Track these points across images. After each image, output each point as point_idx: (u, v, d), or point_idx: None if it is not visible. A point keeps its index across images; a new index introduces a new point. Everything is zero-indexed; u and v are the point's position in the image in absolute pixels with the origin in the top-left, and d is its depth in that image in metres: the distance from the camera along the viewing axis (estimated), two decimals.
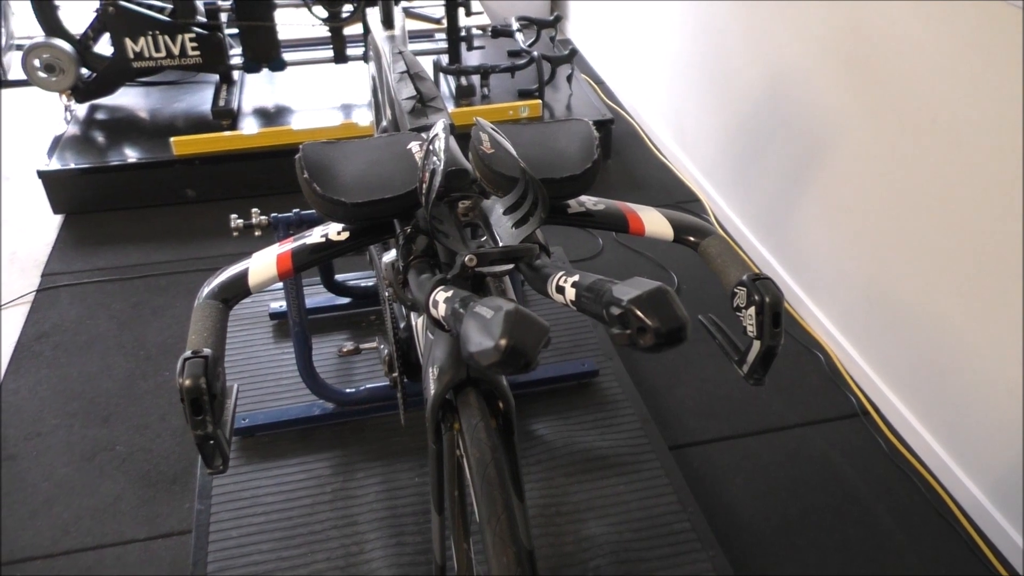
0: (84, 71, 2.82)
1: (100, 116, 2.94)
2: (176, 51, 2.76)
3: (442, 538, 1.03)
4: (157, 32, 2.71)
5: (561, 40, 3.94)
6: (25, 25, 3.01)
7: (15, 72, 2.93)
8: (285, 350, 2.01)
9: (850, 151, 1.90)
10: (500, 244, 0.87)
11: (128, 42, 2.72)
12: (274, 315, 2.12)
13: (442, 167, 0.85)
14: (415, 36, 3.50)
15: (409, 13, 3.29)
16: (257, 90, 3.10)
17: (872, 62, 1.76)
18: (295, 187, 2.38)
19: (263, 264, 0.94)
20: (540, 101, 2.92)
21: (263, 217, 1.66)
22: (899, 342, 1.81)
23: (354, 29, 2.97)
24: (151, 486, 1.73)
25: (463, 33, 3.10)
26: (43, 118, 3.14)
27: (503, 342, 0.65)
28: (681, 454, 1.80)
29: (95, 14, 2.73)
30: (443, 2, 2.98)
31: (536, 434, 1.79)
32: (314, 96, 3.07)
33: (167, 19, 2.73)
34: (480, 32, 3.40)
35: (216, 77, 3.04)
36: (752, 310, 0.83)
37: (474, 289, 0.88)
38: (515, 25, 3.16)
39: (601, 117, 2.91)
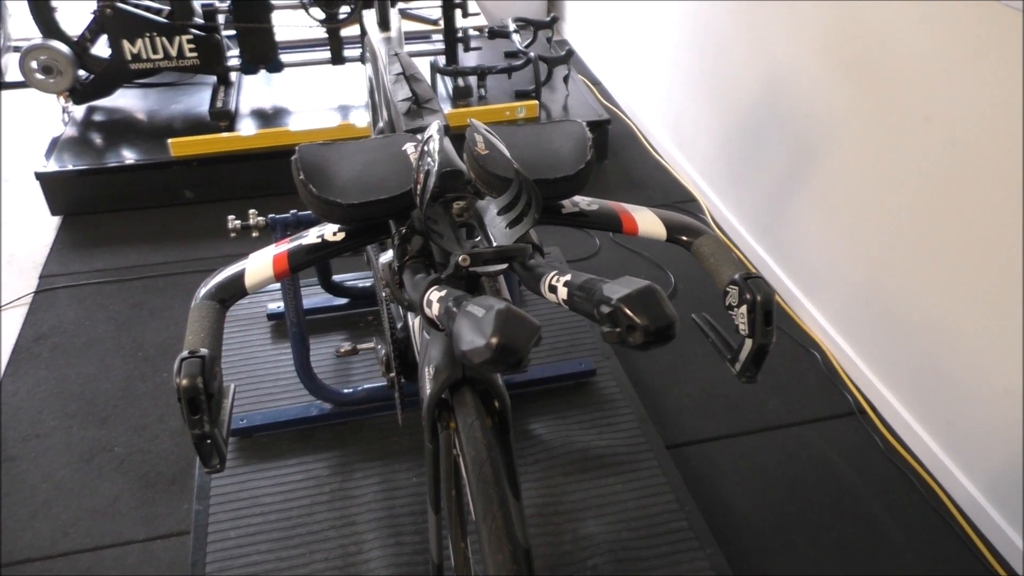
0: (82, 73, 2.82)
1: (98, 118, 2.94)
2: (173, 53, 2.76)
3: (438, 537, 1.04)
4: (154, 34, 2.72)
5: (558, 41, 3.94)
6: (23, 27, 3.01)
7: (13, 74, 2.93)
8: (283, 351, 2.01)
9: (846, 150, 1.90)
10: (494, 244, 0.88)
11: (126, 44, 2.72)
12: (272, 316, 2.12)
13: (436, 168, 0.85)
14: (412, 37, 3.50)
15: (406, 14, 3.29)
16: (255, 91, 3.11)
17: (867, 62, 1.77)
18: (293, 188, 2.39)
19: (259, 265, 0.95)
20: (537, 102, 2.93)
21: (260, 218, 1.67)
22: (896, 341, 1.82)
23: (351, 30, 2.97)
24: (150, 487, 1.73)
25: (460, 34, 3.10)
26: (41, 120, 3.14)
27: (494, 340, 0.66)
28: (679, 453, 1.81)
29: (92, 16, 2.73)
30: (440, 3, 2.99)
31: (534, 434, 1.80)
32: (312, 97, 3.07)
33: (164, 21, 2.73)
34: (477, 33, 3.41)
35: (214, 78, 3.04)
36: (744, 308, 0.84)
37: (469, 289, 0.89)
38: (512, 26, 3.17)
39: (598, 118, 2.92)
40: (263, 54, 2.89)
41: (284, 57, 2.97)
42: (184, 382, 0.76)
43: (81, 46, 2.77)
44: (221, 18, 2.84)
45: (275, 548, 1.55)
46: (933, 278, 1.66)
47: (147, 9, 2.75)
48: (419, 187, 0.87)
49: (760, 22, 2.20)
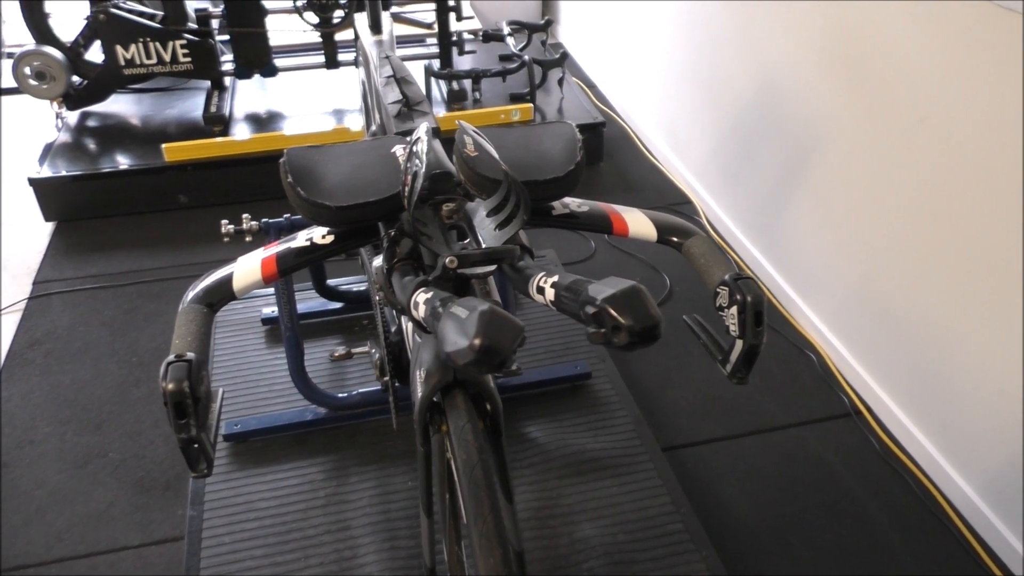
0: (75, 78, 2.82)
1: (91, 123, 2.93)
2: (167, 58, 2.76)
3: (431, 541, 1.03)
4: (148, 39, 2.71)
5: (552, 44, 3.95)
6: (17, 33, 3.00)
7: (6, 80, 2.92)
8: (277, 355, 2.01)
9: (840, 151, 1.90)
10: (483, 246, 0.87)
11: (119, 49, 2.72)
12: (266, 320, 2.11)
13: (424, 170, 0.85)
14: (407, 41, 3.50)
15: (400, 18, 3.30)
16: (249, 96, 3.10)
17: (862, 63, 1.77)
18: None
19: (248, 268, 0.95)
20: (532, 105, 2.93)
21: (254, 223, 1.66)
22: (891, 342, 1.82)
23: (345, 34, 2.97)
24: (144, 492, 1.72)
25: (454, 38, 3.10)
26: (35, 125, 3.13)
27: (477, 341, 0.65)
28: (674, 455, 1.80)
29: (86, 21, 2.73)
30: (434, 7, 2.99)
31: (529, 436, 1.79)
32: (306, 102, 3.07)
33: (158, 26, 2.73)
34: (471, 36, 3.41)
35: (208, 83, 3.04)
36: (734, 309, 0.84)
37: (459, 291, 0.89)
38: (506, 29, 3.17)
39: (592, 120, 2.92)
40: (257, 59, 2.89)
41: (278, 61, 2.97)
42: (170, 386, 0.75)
43: (75, 52, 2.77)
44: (215, 23, 2.84)
45: (270, 553, 1.55)
46: (929, 279, 1.67)
47: (140, 14, 2.75)
48: (407, 189, 0.87)
49: (754, 23, 2.20)
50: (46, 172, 2.61)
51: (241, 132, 2.85)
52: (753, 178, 2.34)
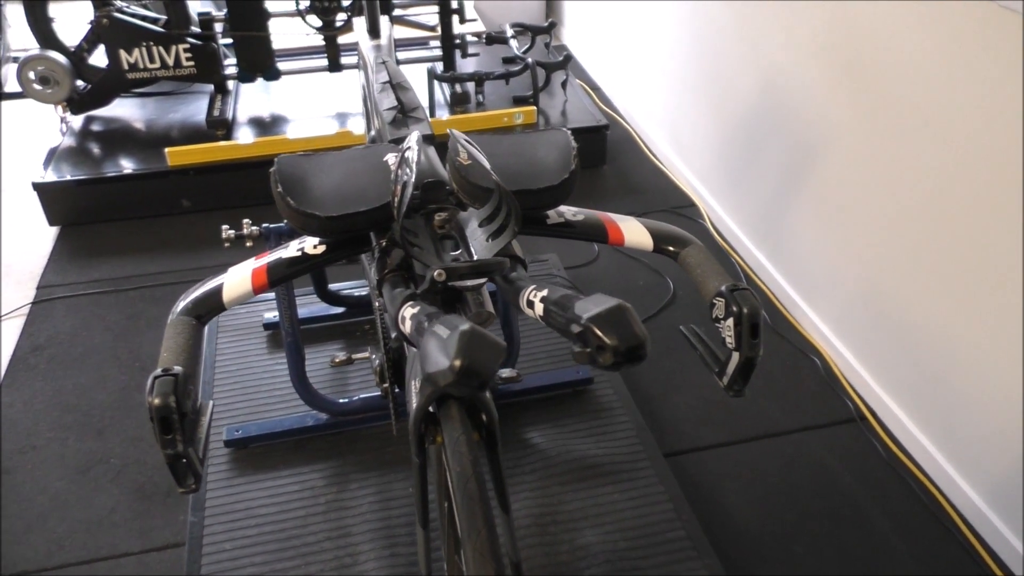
0: (79, 82, 2.82)
1: (95, 127, 2.94)
2: (170, 62, 2.76)
3: (427, 551, 1.02)
4: (151, 43, 2.72)
5: (556, 46, 3.94)
6: (22, 38, 3.01)
7: (12, 84, 2.93)
8: (279, 360, 2.00)
9: (845, 155, 1.89)
10: (474, 257, 0.86)
11: (122, 53, 2.72)
12: (268, 325, 2.11)
13: (413, 179, 0.84)
14: (409, 44, 3.50)
15: (403, 20, 3.29)
16: (252, 100, 3.10)
17: (865, 66, 1.76)
18: None
19: (238, 279, 0.94)
20: (535, 108, 2.92)
21: (254, 228, 1.66)
22: (896, 347, 1.80)
23: (348, 37, 2.97)
24: (145, 499, 1.72)
25: (457, 40, 3.10)
26: (39, 130, 3.14)
27: (457, 362, 0.64)
28: (677, 461, 1.79)
29: (89, 26, 2.73)
30: (437, 9, 2.99)
31: (531, 442, 1.79)
32: (309, 105, 3.07)
33: (161, 30, 2.73)
34: (474, 39, 3.40)
35: (211, 87, 3.04)
36: (730, 321, 0.82)
37: (450, 302, 0.87)
38: (509, 32, 3.16)
39: (596, 123, 2.91)
40: (260, 62, 2.89)
41: (281, 65, 2.97)
42: (156, 401, 0.74)
43: (78, 56, 2.77)
44: (218, 27, 2.84)
45: (270, 560, 1.54)
46: (934, 283, 1.65)
47: (144, 19, 2.75)
48: (396, 199, 0.86)
49: (758, 26, 2.19)
50: (50, 176, 2.61)
51: (244, 136, 2.85)
52: (757, 182, 2.33)
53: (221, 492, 1.68)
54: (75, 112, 2.88)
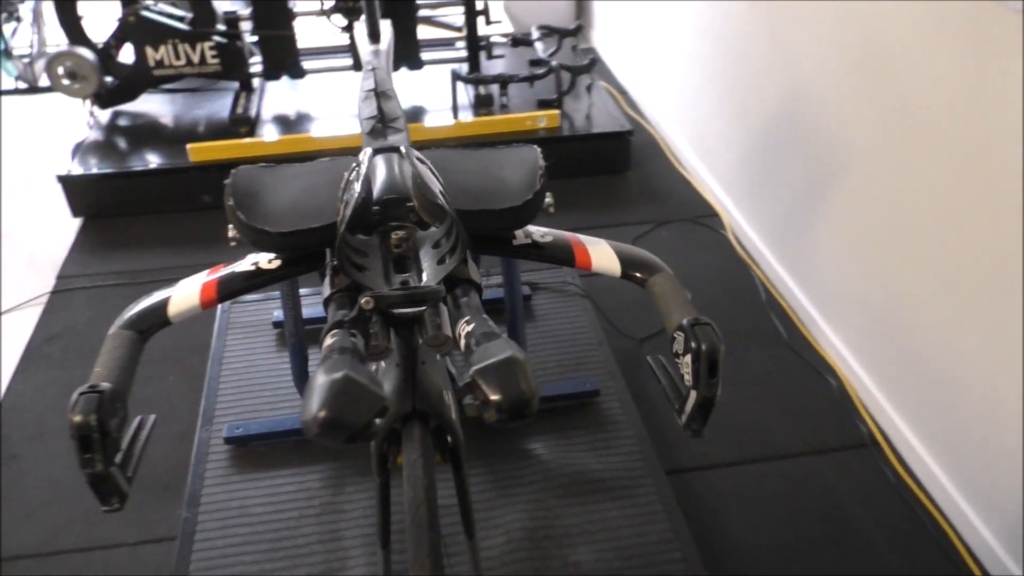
0: (107, 78, 2.87)
1: (122, 122, 2.99)
2: (196, 59, 2.79)
3: (387, 573, 0.99)
4: (177, 41, 2.75)
5: (584, 49, 3.90)
6: (56, 35, 3.07)
7: (45, 79, 2.99)
8: (285, 359, 2.00)
9: (870, 169, 1.82)
10: (423, 280, 0.82)
11: (149, 51, 2.76)
12: (277, 324, 2.11)
13: (356, 199, 0.81)
14: (435, 44, 3.48)
15: (430, 21, 3.28)
16: (278, 97, 3.12)
17: (893, 80, 1.69)
18: None
19: (186, 293, 0.91)
20: (558, 112, 2.89)
21: None
22: (915, 370, 1.73)
23: None
24: (144, 492, 1.73)
25: (483, 42, 3.08)
26: (68, 123, 3.20)
27: (321, 414, 0.61)
28: (679, 479, 1.75)
29: (117, 23, 2.77)
30: (463, 10, 2.97)
31: (531, 453, 1.76)
32: (333, 104, 3.08)
33: (187, 28, 2.76)
34: (501, 41, 3.38)
35: (237, 84, 3.07)
36: (688, 358, 0.78)
37: (408, 324, 0.82)
38: (535, 34, 3.13)
39: (619, 128, 2.87)
40: (285, 60, 2.91)
41: (306, 63, 2.98)
42: (77, 419, 0.71)
43: (106, 52, 2.82)
44: (243, 25, 2.86)
45: (259, 560, 1.54)
46: (957, 308, 1.58)
47: (170, 16, 2.79)
48: (339, 218, 0.83)
49: (787, 36, 2.13)
50: (76, 169, 2.66)
51: (268, 133, 2.86)
52: (780, 193, 2.27)
53: (217, 489, 1.68)
54: (102, 107, 2.93)
